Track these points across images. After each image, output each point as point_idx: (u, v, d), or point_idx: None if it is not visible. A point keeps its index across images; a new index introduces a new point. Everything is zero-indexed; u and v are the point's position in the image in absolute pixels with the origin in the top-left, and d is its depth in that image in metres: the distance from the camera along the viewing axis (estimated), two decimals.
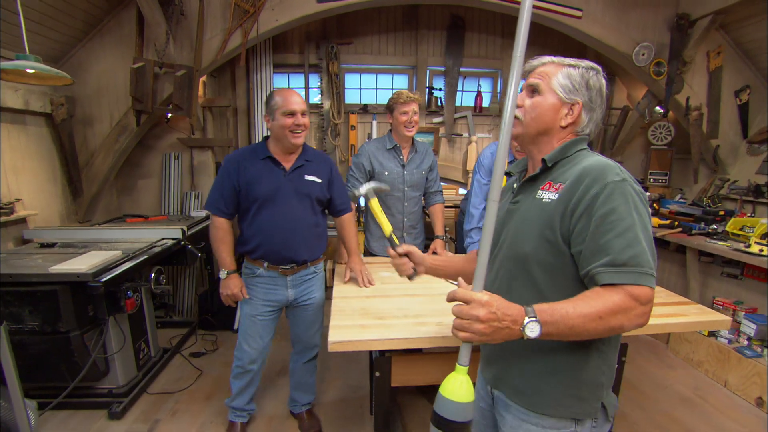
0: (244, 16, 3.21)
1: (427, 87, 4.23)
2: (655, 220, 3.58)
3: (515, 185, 1.18)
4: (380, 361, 1.87)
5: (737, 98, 3.73)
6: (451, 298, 0.93)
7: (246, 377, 2.20)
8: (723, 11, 3.21)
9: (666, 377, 2.93)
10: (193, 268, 3.73)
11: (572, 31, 3.56)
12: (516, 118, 1.07)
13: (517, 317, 0.88)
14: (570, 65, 1.06)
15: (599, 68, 1.09)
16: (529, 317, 0.87)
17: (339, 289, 2.03)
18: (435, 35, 4.17)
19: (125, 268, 2.32)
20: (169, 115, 3.64)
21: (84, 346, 2.35)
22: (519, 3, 3.26)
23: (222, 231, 2.04)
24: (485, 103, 4.39)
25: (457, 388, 0.94)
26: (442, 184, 2.82)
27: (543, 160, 1.06)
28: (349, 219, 2.20)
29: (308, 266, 2.13)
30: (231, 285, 2.05)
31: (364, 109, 4.17)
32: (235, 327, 3.53)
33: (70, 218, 3.46)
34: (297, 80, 4.27)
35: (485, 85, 4.45)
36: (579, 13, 3.47)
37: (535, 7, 3.25)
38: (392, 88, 4.39)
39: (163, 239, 2.87)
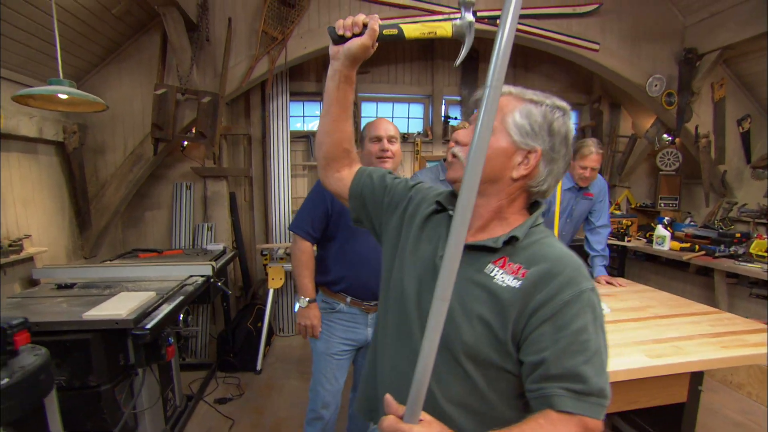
0: (271, 43, 3.14)
1: (443, 116, 4.25)
2: (675, 244, 3.66)
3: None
4: None
5: (739, 126, 3.95)
6: (380, 429, 0.72)
7: (319, 424, 2.00)
8: (731, 47, 3.42)
9: (712, 401, 2.91)
10: (210, 306, 3.49)
11: (589, 63, 3.69)
12: (455, 157, 0.89)
13: None
14: (532, 101, 0.84)
15: (568, 109, 0.87)
16: None
17: None
18: (450, 65, 4.24)
19: (166, 311, 2.11)
20: (185, 143, 3.47)
21: (114, 400, 2.09)
22: (532, 34, 3.36)
23: (307, 255, 1.89)
24: None
25: None
26: None
27: (514, 237, 0.83)
28: None
29: None
30: (311, 315, 1.89)
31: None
32: (258, 368, 3.28)
33: (76, 254, 3.18)
34: (312, 108, 4.20)
35: None
36: (596, 47, 3.61)
37: (555, 39, 3.37)
38: (408, 117, 4.39)
39: (191, 276, 2.65)
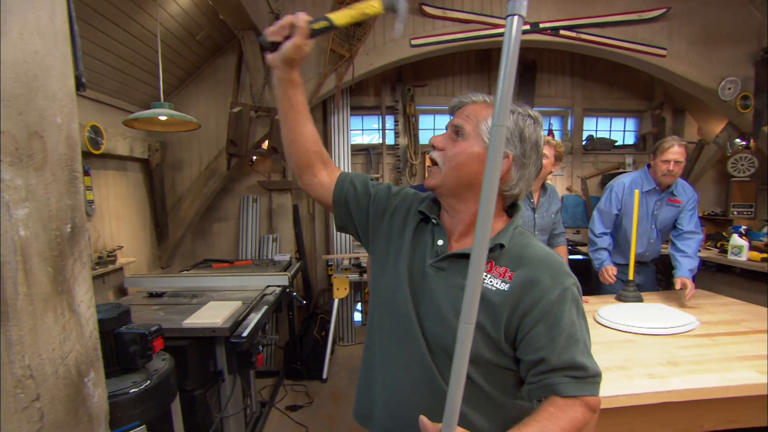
0: (339, 60, 3.25)
1: None
2: (754, 254, 3.46)
3: (437, 241, 0.93)
4: None
5: None
6: None
7: None
8: None
9: None
10: (274, 315, 3.58)
11: (656, 69, 3.59)
12: (435, 164, 0.92)
13: None
14: None
15: (538, 116, 0.91)
16: None
17: None
18: None
19: (256, 320, 2.19)
20: (254, 158, 3.61)
21: (206, 405, 2.19)
22: (594, 42, 3.24)
23: None
24: None
25: None
26: None
27: (501, 245, 0.87)
28: None
29: None
30: None
31: None
32: (324, 377, 3.33)
33: (154, 264, 3.36)
34: (371, 121, 4.29)
35: (555, 124, 4.47)
36: (663, 52, 3.51)
37: (620, 47, 3.30)
38: None
39: (268, 286, 2.75)
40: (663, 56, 3.52)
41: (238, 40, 3.12)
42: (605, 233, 2.55)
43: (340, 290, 3.50)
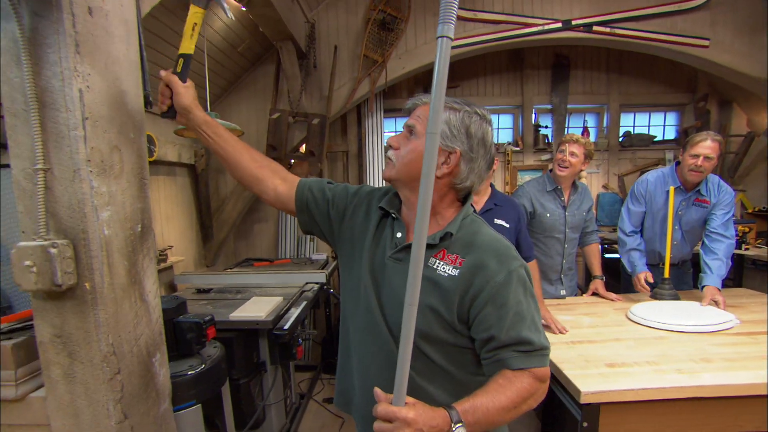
0: (372, 66, 3.36)
1: (534, 125, 4.21)
2: None
3: (396, 233, 1.00)
4: (589, 410, 1.74)
5: None
6: (375, 414, 0.81)
7: None
8: None
9: None
10: (312, 311, 3.74)
11: (698, 61, 3.48)
12: (389, 159, 1.00)
13: (443, 427, 0.81)
14: (452, 108, 0.94)
15: (485, 114, 0.97)
16: (455, 424, 0.82)
17: None
18: (540, 74, 4.20)
19: (296, 314, 2.33)
20: (292, 161, 3.79)
21: (250, 394, 2.34)
22: (630, 37, 3.14)
23: None
24: (592, 138, 4.31)
25: None
26: None
27: (449, 233, 0.95)
28: (534, 266, 2.12)
29: None
30: None
31: None
32: None
33: (200, 262, 3.59)
34: (403, 123, 4.39)
35: (591, 121, 4.39)
36: (706, 43, 3.39)
37: (658, 40, 3.22)
38: (498, 128, 4.41)
39: (307, 283, 2.89)
40: (706, 47, 3.40)
41: (275, 49, 3.30)
42: (635, 232, 2.46)
43: None
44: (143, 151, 1.19)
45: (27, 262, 0.93)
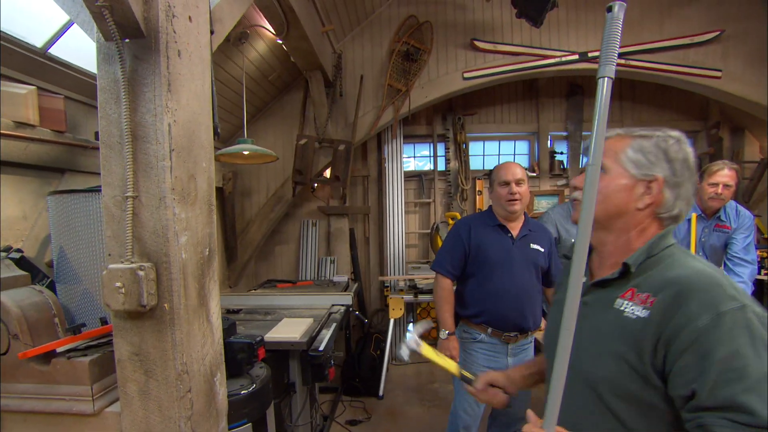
0: (395, 94, 3.49)
1: (550, 151, 4.31)
2: None
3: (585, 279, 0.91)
4: None
5: None
6: None
7: None
8: None
9: None
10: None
11: (710, 91, 3.58)
12: (577, 200, 0.92)
13: None
14: (641, 136, 0.88)
15: (681, 136, 0.89)
16: None
17: None
18: (555, 102, 4.32)
19: (328, 336, 2.36)
20: (316, 185, 3.89)
21: (280, 414, 2.36)
22: (645, 68, 3.25)
23: (447, 291, 2.06)
24: None
25: None
26: None
27: (625, 264, 0.85)
28: None
29: (528, 335, 2.09)
30: (451, 347, 2.02)
31: (489, 175, 4.30)
32: (380, 394, 3.45)
33: (224, 283, 3.65)
34: (422, 148, 4.50)
35: None
36: (718, 74, 3.50)
37: (671, 71, 3.33)
38: (514, 154, 4.51)
39: (333, 305, 2.93)
40: (718, 77, 3.51)
41: (303, 78, 3.44)
42: None
43: (396, 310, 3.64)
44: (212, 179, 1.27)
45: (117, 284, 0.99)
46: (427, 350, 1.32)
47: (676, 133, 0.89)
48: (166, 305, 1.06)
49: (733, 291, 0.75)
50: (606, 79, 0.74)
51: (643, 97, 4.38)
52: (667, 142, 0.87)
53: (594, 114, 0.74)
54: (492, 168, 2.15)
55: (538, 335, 2.34)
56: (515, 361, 2.06)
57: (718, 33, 3.52)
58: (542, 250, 2.05)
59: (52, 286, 1.51)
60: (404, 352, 1.35)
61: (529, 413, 0.80)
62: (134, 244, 1.04)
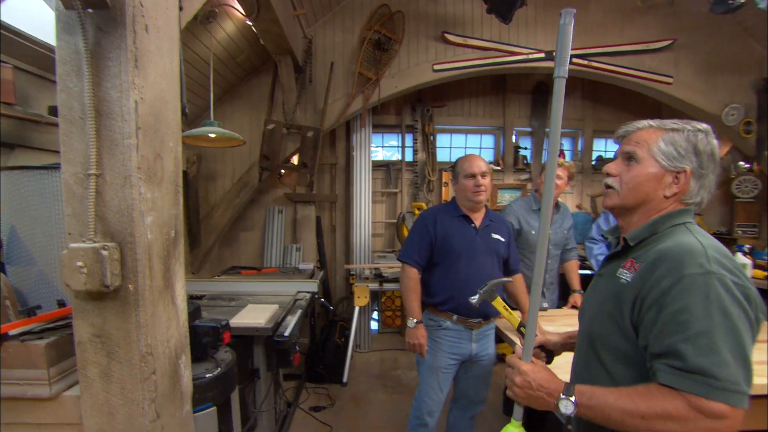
0: (366, 83, 3.48)
1: (514, 146, 4.45)
2: (758, 272, 3.62)
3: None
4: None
5: None
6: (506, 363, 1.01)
7: (423, 430, 2.18)
8: None
9: None
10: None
11: (662, 95, 3.80)
12: (611, 187, 1.02)
13: (552, 392, 0.90)
14: (673, 129, 0.96)
15: (709, 129, 0.97)
16: (565, 395, 0.88)
17: None
18: (521, 99, 4.45)
19: (294, 322, 2.37)
20: (283, 171, 3.84)
21: (244, 401, 2.36)
22: (604, 70, 3.51)
23: (414, 281, 2.09)
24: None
25: None
26: None
27: (624, 240, 0.99)
28: (520, 278, 2.27)
29: (491, 321, 2.17)
30: (419, 335, 2.05)
31: (453, 167, 4.39)
32: (344, 381, 3.49)
33: (186, 269, 3.55)
34: (390, 138, 4.52)
35: (566, 144, 4.68)
36: (670, 80, 3.72)
37: (628, 74, 3.52)
38: (480, 148, 4.62)
39: (299, 292, 2.93)
40: (669, 83, 3.73)
41: (272, 62, 3.37)
42: (603, 238, 2.98)
43: (361, 298, 3.68)
44: (179, 160, 1.25)
45: (78, 263, 0.96)
46: (497, 302, 1.57)
47: (704, 126, 0.97)
48: (130, 286, 1.04)
49: (703, 260, 0.83)
50: (559, 78, 0.82)
51: (603, 98, 4.59)
52: (696, 136, 0.94)
53: (551, 110, 0.82)
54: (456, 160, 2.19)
55: (500, 323, 2.44)
56: (478, 347, 2.14)
57: (671, 42, 3.73)
58: (503, 239, 2.13)
59: (2, 268, 1.43)
60: (476, 299, 1.54)
61: (517, 346, 1.03)
62: (97, 224, 1.01)
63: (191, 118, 3.39)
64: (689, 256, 0.84)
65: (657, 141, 0.96)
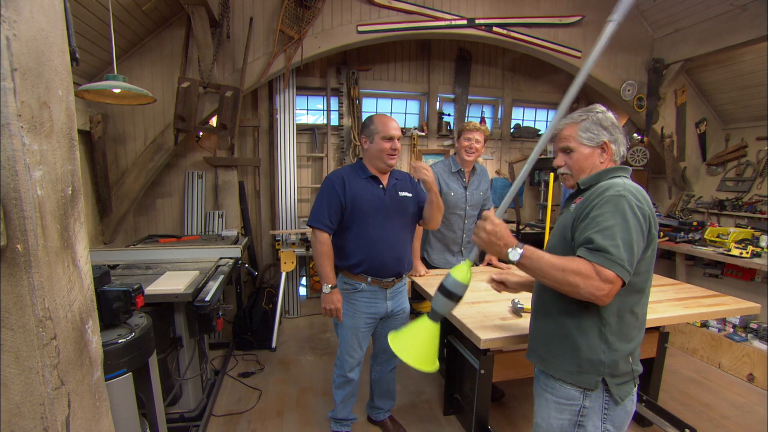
0: (288, 42, 3.34)
1: (438, 112, 4.57)
2: None
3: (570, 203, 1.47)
4: (485, 359, 2.09)
5: (697, 128, 4.48)
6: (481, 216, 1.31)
7: (348, 387, 2.27)
8: (691, 59, 3.91)
9: (670, 364, 3.41)
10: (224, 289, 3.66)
11: (572, 68, 4.09)
12: (565, 174, 1.41)
13: (508, 243, 1.24)
14: (582, 119, 1.34)
15: (603, 108, 1.36)
16: (516, 247, 1.23)
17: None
18: (445, 65, 4.54)
19: (215, 287, 2.32)
20: (201, 134, 3.62)
21: (167, 370, 2.30)
22: (522, 41, 3.78)
23: (326, 246, 2.06)
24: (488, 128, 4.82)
25: (463, 272, 1.28)
26: None
27: (577, 184, 1.37)
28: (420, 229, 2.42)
29: (403, 278, 2.26)
30: (335, 300, 2.09)
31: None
32: (273, 346, 3.51)
33: (97, 239, 3.29)
34: (315, 101, 4.41)
35: (487, 112, 4.90)
36: (579, 54, 4.01)
37: (542, 47, 3.74)
38: (405, 113, 4.68)
39: (221, 258, 2.86)
40: (578, 57, 4.03)
41: (185, 14, 3.11)
42: None
43: (288, 264, 3.67)
44: (72, 111, 1.14)
45: None
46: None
47: (600, 107, 1.36)
48: (19, 246, 0.95)
49: (621, 189, 1.21)
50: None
51: (522, 69, 4.84)
52: (598, 117, 1.33)
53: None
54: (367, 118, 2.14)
55: (417, 280, 2.58)
56: (393, 304, 2.22)
57: (580, 18, 4.00)
58: (410, 195, 2.17)
59: None
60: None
61: (491, 210, 1.31)
62: None
63: (92, 72, 3.04)
64: (612, 188, 1.23)
65: (577, 132, 1.34)
